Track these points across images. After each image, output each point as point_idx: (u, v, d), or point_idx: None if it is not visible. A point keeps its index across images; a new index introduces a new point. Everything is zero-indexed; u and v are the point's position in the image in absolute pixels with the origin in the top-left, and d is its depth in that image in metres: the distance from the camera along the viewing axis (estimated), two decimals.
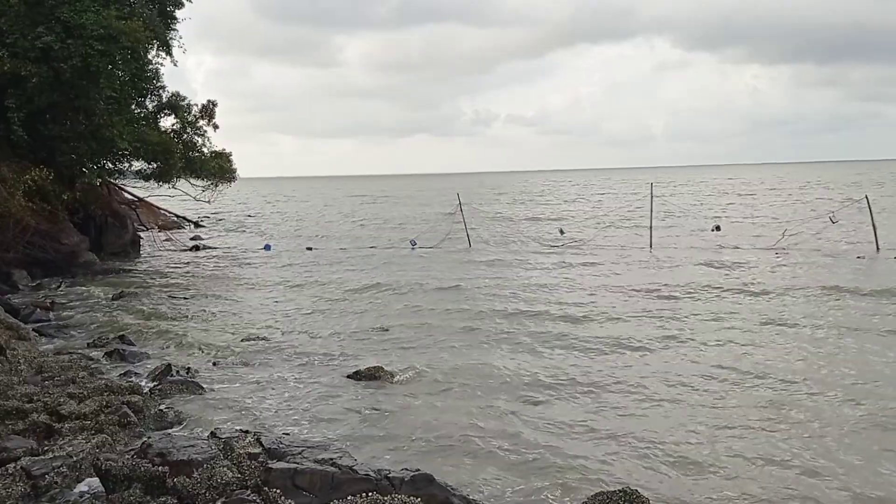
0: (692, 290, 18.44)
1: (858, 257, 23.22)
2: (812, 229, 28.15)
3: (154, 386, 10.57)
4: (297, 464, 7.05)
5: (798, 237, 27.18)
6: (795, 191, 71.93)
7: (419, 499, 6.22)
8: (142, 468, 6.82)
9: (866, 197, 27.08)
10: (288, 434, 8.55)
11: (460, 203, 32.71)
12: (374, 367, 11.59)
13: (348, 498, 6.27)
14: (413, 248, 30.45)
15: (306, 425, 9.39)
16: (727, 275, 20.87)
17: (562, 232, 34.64)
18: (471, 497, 6.79)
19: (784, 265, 22.39)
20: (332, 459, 7.19)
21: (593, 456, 8.26)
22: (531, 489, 7.50)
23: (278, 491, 6.38)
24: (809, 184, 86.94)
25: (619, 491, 6.55)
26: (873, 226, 25.43)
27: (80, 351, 12.84)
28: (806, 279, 19.68)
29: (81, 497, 6.77)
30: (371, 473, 6.81)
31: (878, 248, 24.49)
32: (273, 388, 10.97)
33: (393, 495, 6.23)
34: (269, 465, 6.98)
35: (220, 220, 50.03)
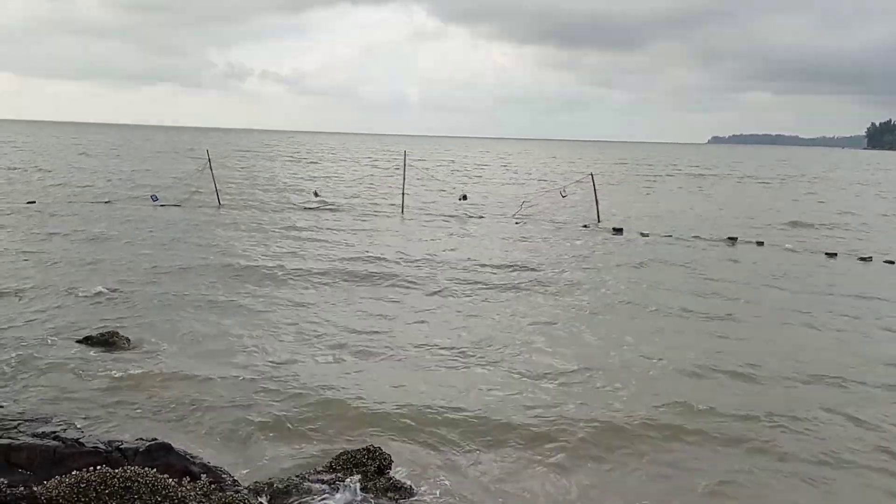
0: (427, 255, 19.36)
1: (584, 226, 25.83)
2: (546, 201, 30.72)
3: None
4: (12, 439, 6.35)
5: (535, 208, 29.57)
6: (535, 165, 77.86)
7: (155, 469, 5.89)
8: None
9: (591, 175, 30.21)
10: (2, 406, 7.67)
11: (209, 161, 31.14)
12: (109, 332, 10.75)
13: (73, 473, 5.77)
14: (155, 203, 28.41)
15: (26, 396, 8.48)
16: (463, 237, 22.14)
17: (316, 195, 34.40)
18: (211, 464, 6.58)
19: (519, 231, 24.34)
20: (54, 433, 6.57)
21: (334, 419, 8.37)
22: (275, 454, 7.47)
23: None
24: (548, 160, 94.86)
25: (364, 449, 6.73)
26: (596, 200, 28.51)
27: None
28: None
29: None
30: (100, 446, 6.32)
31: (598, 219, 27.52)
32: None
33: (125, 467, 5.83)
34: None
35: None
